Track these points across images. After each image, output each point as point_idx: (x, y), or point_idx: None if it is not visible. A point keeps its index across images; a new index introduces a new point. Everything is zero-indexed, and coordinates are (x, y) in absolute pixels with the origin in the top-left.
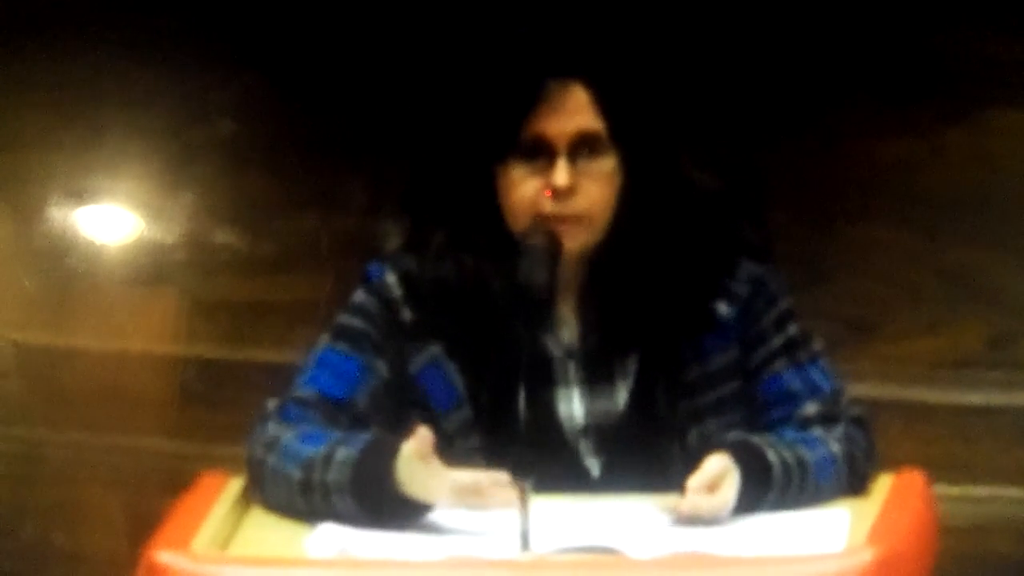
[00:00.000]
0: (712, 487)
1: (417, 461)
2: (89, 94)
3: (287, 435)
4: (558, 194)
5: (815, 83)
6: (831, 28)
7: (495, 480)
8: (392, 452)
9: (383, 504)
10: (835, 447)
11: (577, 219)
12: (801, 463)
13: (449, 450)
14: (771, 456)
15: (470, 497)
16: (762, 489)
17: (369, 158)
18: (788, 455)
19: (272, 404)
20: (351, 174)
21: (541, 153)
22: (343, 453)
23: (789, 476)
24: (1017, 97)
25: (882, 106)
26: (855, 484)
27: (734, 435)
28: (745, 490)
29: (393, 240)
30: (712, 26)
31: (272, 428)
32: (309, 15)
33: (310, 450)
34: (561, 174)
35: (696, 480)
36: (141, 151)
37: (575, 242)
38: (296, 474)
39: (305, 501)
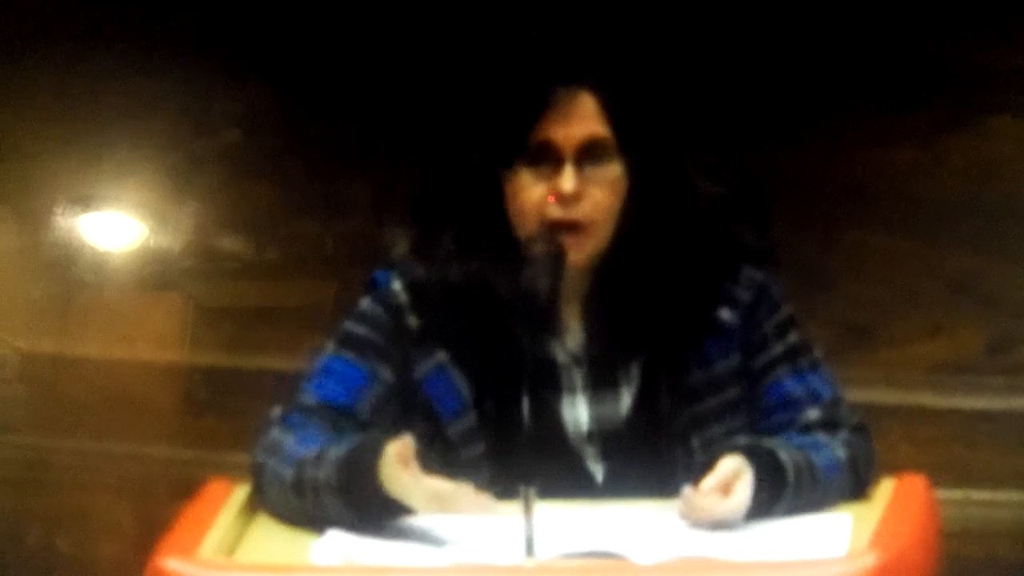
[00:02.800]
0: (726, 489)
1: (397, 464)
2: (94, 103)
3: (288, 439)
4: (564, 200)
5: (816, 90)
6: (831, 35)
7: (464, 491)
8: (377, 452)
9: (368, 502)
10: (840, 452)
11: (582, 226)
12: (810, 466)
13: (454, 457)
14: (784, 457)
15: (442, 504)
16: (776, 491)
17: (373, 165)
18: (799, 457)
19: (277, 411)
20: (355, 181)
21: (548, 159)
22: (333, 452)
23: (801, 478)
24: (1017, 104)
25: (882, 113)
26: (857, 490)
27: (744, 438)
28: (760, 492)
29: (400, 247)
30: (715, 34)
31: (275, 434)
32: (314, 24)
33: (304, 450)
34: (568, 180)
35: (710, 481)
36: (146, 159)
37: (580, 252)
38: (289, 473)
39: (298, 501)
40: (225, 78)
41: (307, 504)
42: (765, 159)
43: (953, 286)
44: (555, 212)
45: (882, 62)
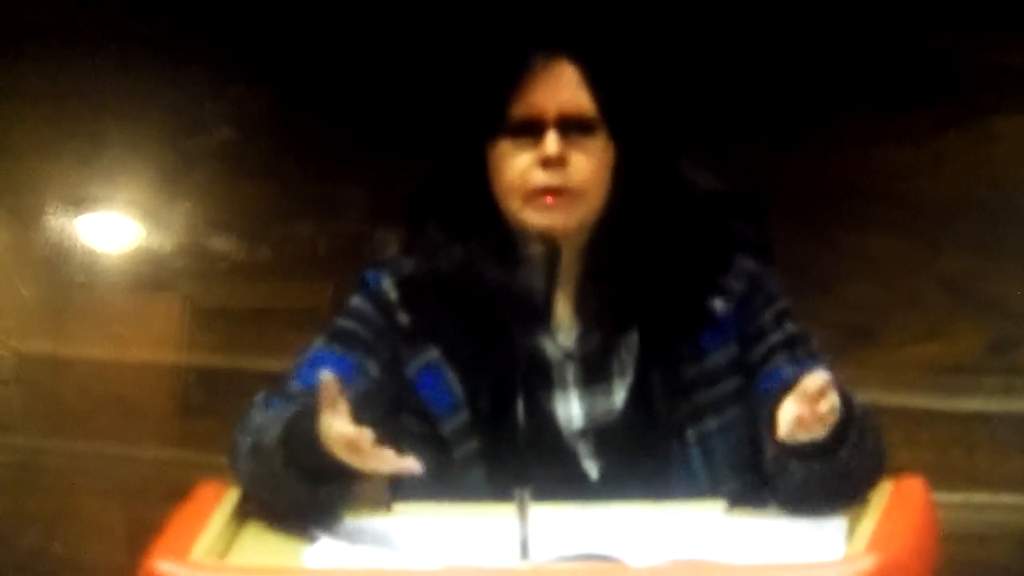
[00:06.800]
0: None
1: (324, 404)
2: (88, 103)
3: (258, 416)
4: (549, 164)
5: (815, 90)
6: (831, 35)
7: (371, 440)
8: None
9: (304, 455)
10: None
11: (569, 192)
12: (862, 408)
13: (447, 456)
14: (847, 388)
15: (351, 452)
16: (848, 424)
17: (367, 166)
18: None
19: (260, 396)
20: (350, 182)
21: (531, 129)
22: (285, 413)
23: (863, 417)
24: (1017, 104)
25: (882, 113)
26: (874, 475)
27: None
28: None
29: (390, 247)
30: (713, 33)
31: (255, 416)
32: (307, 23)
33: (261, 418)
34: (551, 143)
35: (811, 384)
36: (140, 159)
37: (569, 218)
38: (249, 440)
39: (255, 466)
40: (218, 77)
41: (260, 471)
42: (764, 159)
43: (952, 288)
44: (540, 178)
45: (882, 62)
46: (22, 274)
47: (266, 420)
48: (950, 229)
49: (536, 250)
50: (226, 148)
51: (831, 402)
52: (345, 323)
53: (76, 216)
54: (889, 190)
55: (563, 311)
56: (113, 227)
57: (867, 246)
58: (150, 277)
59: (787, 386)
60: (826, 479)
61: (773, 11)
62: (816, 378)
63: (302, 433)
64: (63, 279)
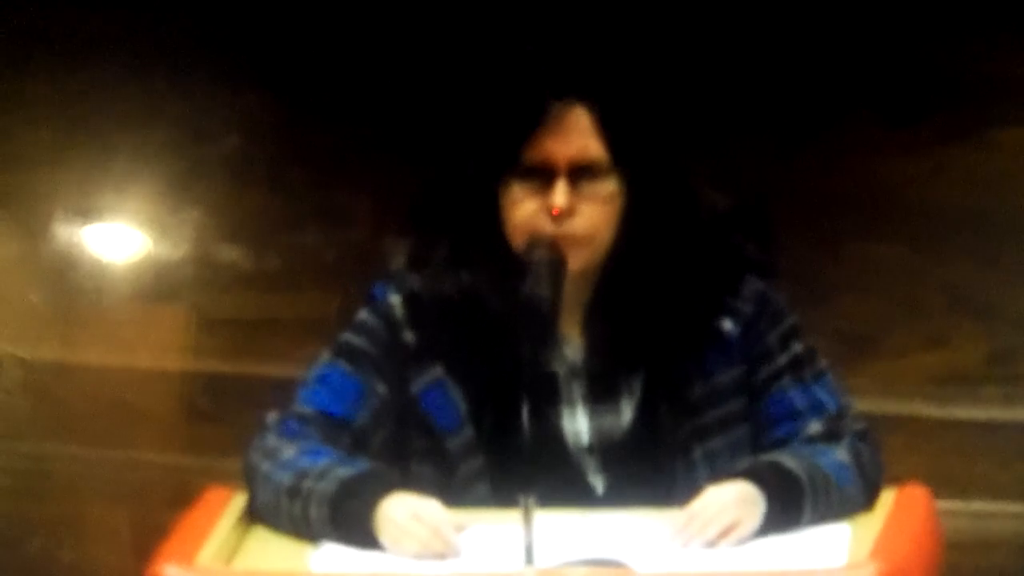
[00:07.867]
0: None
1: (407, 511)
2: (95, 112)
3: (289, 449)
4: (557, 215)
5: (818, 100)
6: (834, 46)
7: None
8: (385, 486)
9: (351, 528)
10: (842, 455)
11: (576, 240)
12: (817, 467)
13: (452, 471)
14: (791, 464)
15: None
16: (796, 497)
17: (374, 175)
18: (805, 462)
19: (273, 417)
20: (356, 191)
21: (542, 174)
22: (342, 470)
23: (815, 479)
24: (1018, 115)
25: (884, 124)
26: (869, 492)
27: (746, 460)
28: (780, 503)
29: (398, 260)
30: (717, 45)
31: (272, 440)
32: (313, 32)
33: (309, 461)
34: (560, 195)
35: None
36: (147, 169)
37: (576, 261)
38: (288, 479)
39: (288, 505)
40: (225, 87)
41: (294, 511)
42: (767, 170)
43: (953, 297)
44: (547, 227)
45: (884, 73)
46: (30, 283)
47: (300, 456)
48: (951, 239)
49: (541, 256)
50: (233, 157)
51: (708, 534)
52: (352, 338)
53: (83, 225)
54: (891, 200)
55: (570, 328)
56: (120, 236)
57: (869, 255)
58: (157, 286)
59: (792, 412)
60: (804, 525)
61: (777, 21)
62: (686, 516)
63: (355, 510)
64: (71, 288)
